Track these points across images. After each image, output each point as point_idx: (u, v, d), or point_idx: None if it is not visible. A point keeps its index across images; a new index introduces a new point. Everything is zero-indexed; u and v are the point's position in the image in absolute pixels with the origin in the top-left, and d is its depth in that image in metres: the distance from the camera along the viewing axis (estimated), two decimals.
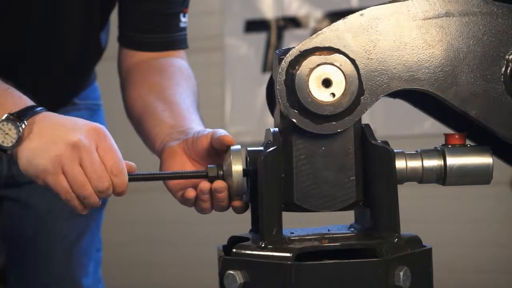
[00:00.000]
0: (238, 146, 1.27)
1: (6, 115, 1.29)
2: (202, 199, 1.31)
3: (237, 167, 1.24)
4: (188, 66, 1.74)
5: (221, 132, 1.34)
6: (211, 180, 1.29)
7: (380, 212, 1.15)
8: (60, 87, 1.79)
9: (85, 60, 1.81)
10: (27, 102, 1.34)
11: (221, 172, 1.28)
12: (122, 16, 1.75)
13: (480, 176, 1.19)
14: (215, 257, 1.17)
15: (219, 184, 1.27)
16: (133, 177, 1.31)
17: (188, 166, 1.39)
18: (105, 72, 2.12)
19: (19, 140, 1.28)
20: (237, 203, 1.29)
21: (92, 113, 1.92)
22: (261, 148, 1.21)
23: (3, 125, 1.28)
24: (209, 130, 1.39)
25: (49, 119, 1.31)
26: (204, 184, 1.30)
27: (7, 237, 1.92)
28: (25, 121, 1.29)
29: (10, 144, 1.28)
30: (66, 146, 1.27)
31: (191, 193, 1.32)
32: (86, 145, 1.27)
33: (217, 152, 1.35)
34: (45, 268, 1.90)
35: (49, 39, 1.68)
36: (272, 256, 1.10)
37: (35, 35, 1.66)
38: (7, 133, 1.28)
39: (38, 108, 1.33)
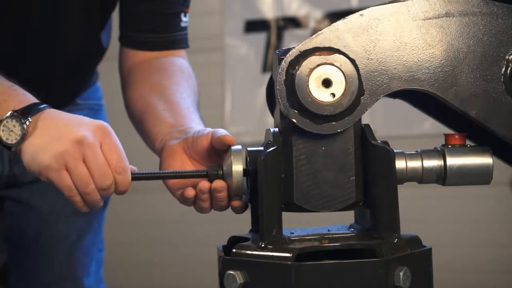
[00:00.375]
0: (239, 146, 1.27)
1: (10, 112, 1.29)
2: (202, 198, 1.31)
3: (238, 167, 1.24)
4: (189, 65, 1.74)
5: (222, 132, 1.34)
6: (211, 179, 1.29)
7: (380, 212, 1.15)
8: (61, 87, 1.79)
9: (86, 60, 1.81)
10: (31, 99, 1.34)
11: (221, 172, 1.28)
12: (123, 15, 1.75)
13: (480, 176, 1.19)
14: (215, 257, 1.17)
15: (218, 183, 1.27)
16: (136, 176, 1.31)
17: (187, 165, 1.39)
18: (106, 72, 2.12)
19: (24, 137, 1.29)
20: (236, 203, 1.29)
21: (94, 113, 1.92)
22: (261, 148, 1.21)
23: (7, 122, 1.28)
24: (209, 129, 1.39)
25: (54, 116, 1.31)
26: (204, 184, 1.30)
27: (8, 237, 1.92)
28: (29, 118, 1.29)
29: (14, 141, 1.29)
30: (71, 142, 1.27)
31: (190, 192, 1.32)
32: (91, 142, 1.27)
33: (217, 151, 1.35)
34: (47, 268, 1.90)
35: (49, 39, 1.68)
36: (272, 256, 1.10)
37: (35, 35, 1.66)
38: (11, 130, 1.28)
39: (42, 105, 1.33)
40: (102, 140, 1.29)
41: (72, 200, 1.30)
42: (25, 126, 1.28)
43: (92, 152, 1.27)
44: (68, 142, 1.26)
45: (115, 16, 1.77)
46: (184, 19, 1.74)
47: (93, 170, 1.27)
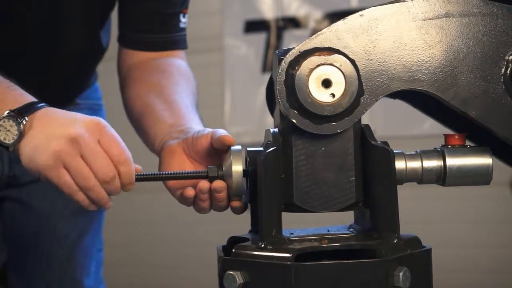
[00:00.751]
0: (239, 147, 1.27)
1: (7, 112, 1.29)
2: (201, 198, 1.31)
3: (237, 168, 1.24)
4: (187, 66, 1.74)
5: (222, 132, 1.34)
6: (212, 180, 1.28)
7: (380, 213, 1.15)
8: (61, 86, 1.79)
9: (86, 59, 1.81)
10: (29, 98, 1.34)
11: (221, 173, 1.28)
12: (122, 16, 1.75)
13: (480, 176, 1.19)
14: (215, 258, 1.17)
15: (218, 184, 1.27)
16: (139, 177, 1.31)
17: (187, 165, 1.39)
18: (106, 73, 2.12)
19: (21, 137, 1.28)
20: (236, 203, 1.29)
21: (93, 113, 1.91)
22: (261, 148, 1.21)
23: (4, 122, 1.29)
24: (209, 129, 1.39)
25: (49, 115, 1.31)
26: (204, 184, 1.29)
27: (8, 237, 1.92)
28: (26, 118, 1.29)
29: (11, 141, 1.29)
30: (65, 141, 1.26)
31: (190, 192, 1.32)
32: (86, 139, 1.26)
33: (217, 152, 1.35)
34: (46, 269, 1.90)
35: (49, 39, 1.68)
36: (272, 256, 1.10)
37: (35, 35, 1.66)
38: (8, 130, 1.28)
39: (39, 104, 1.32)
40: (98, 135, 1.28)
41: (75, 199, 1.29)
42: (21, 126, 1.28)
43: (89, 148, 1.26)
44: (63, 141, 1.26)
45: (114, 16, 1.77)
46: (183, 20, 1.74)
47: (92, 163, 1.26)
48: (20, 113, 1.29)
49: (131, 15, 1.73)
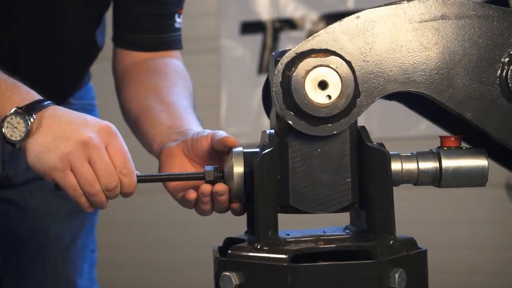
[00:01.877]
0: (240, 148, 1.26)
1: (14, 109, 1.29)
2: (203, 201, 1.31)
3: (239, 170, 1.23)
4: (184, 66, 1.74)
5: (222, 133, 1.34)
6: (213, 182, 1.28)
7: (376, 214, 1.15)
8: (56, 86, 1.79)
9: (82, 59, 1.81)
10: (35, 96, 1.33)
11: (218, 174, 1.27)
12: (117, 16, 1.75)
13: (476, 178, 1.20)
14: (212, 259, 1.17)
15: (220, 187, 1.27)
16: (141, 178, 1.31)
17: (187, 167, 1.39)
18: (101, 73, 2.12)
19: (28, 134, 1.28)
20: (236, 205, 1.29)
21: (87, 113, 1.91)
22: (257, 150, 1.21)
23: (11, 118, 1.28)
24: (208, 131, 1.38)
25: (59, 115, 1.30)
26: (206, 187, 1.29)
27: (2, 238, 1.92)
28: (33, 115, 1.29)
29: (18, 138, 1.28)
30: (76, 143, 1.26)
31: (192, 195, 1.31)
32: (96, 144, 1.26)
33: (217, 153, 1.35)
34: (41, 270, 1.90)
35: (46, 38, 1.68)
36: (268, 257, 1.10)
37: (33, 34, 1.66)
38: (15, 127, 1.28)
39: (46, 102, 1.32)
40: (107, 141, 1.28)
41: (77, 201, 1.29)
42: (29, 123, 1.28)
43: (97, 154, 1.26)
44: (73, 143, 1.26)
45: (109, 16, 1.77)
46: (178, 20, 1.73)
47: (99, 170, 1.26)
48: (28, 111, 1.29)
49: (126, 15, 1.73)
